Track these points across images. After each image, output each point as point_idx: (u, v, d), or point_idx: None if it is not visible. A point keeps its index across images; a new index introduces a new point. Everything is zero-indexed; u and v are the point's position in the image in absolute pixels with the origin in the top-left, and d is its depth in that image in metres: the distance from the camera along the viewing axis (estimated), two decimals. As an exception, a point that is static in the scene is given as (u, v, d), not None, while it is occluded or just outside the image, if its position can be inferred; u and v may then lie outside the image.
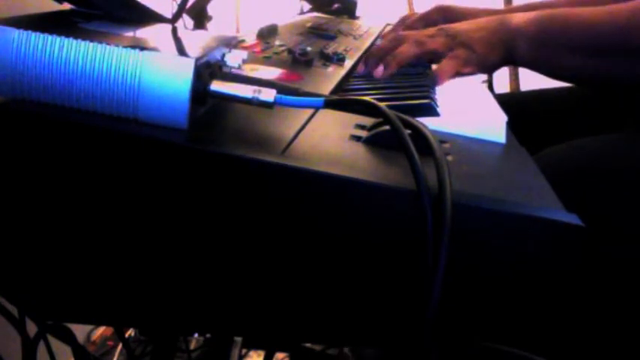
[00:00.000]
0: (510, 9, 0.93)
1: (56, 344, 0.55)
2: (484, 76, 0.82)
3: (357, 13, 1.38)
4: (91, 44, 0.37)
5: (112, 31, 0.43)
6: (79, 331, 1.22)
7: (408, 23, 0.96)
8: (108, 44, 0.37)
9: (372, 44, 0.98)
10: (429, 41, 0.69)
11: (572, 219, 0.36)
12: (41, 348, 0.54)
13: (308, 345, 0.93)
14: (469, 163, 0.45)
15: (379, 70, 0.68)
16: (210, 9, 0.99)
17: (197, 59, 0.37)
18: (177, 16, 0.67)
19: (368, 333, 0.40)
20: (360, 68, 0.72)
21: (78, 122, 0.37)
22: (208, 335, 1.10)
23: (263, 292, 0.39)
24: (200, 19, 0.96)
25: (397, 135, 0.38)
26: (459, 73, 0.68)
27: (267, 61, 0.65)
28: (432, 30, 0.71)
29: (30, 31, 0.37)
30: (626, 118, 0.77)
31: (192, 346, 1.14)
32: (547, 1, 0.93)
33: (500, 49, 0.66)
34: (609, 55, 0.60)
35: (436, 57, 0.70)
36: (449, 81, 0.67)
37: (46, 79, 0.37)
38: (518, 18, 0.65)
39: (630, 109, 0.78)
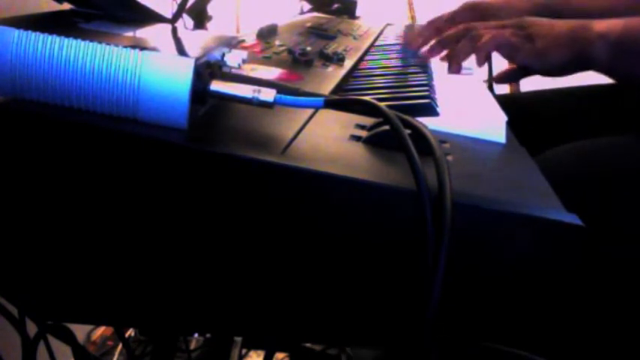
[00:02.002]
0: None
1: (56, 344, 0.55)
2: (484, 76, 0.82)
3: (357, 13, 1.38)
4: (91, 44, 0.37)
5: (112, 31, 0.43)
6: (79, 331, 1.22)
7: (438, 25, 0.95)
8: (108, 44, 0.37)
9: (372, 44, 0.98)
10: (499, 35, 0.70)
11: (572, 219, 0.36)
12: (41, 348, 0.54)
13: (308, 345, 0.93)
14: (469, 163, 0.45)
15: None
16: (210, 9, 0.99)
17: (197, 59, 0.37)
18: (177, 16, 0.67)
19: (368, 333, 0.40)
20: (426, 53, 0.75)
21: (78, 122, 0.37)
22: (208, 335, 1.10)
23: (263, 292, 0.39)
24: (200, 19, 0.96)
25: (397, 135, 0.38)
26: (514, 64, 0.69)
27: (267, 61, 0.65)
28: (507, 23, 0.72)
29: (30, 31, 0.37)
30: (627, 120, 0.77)
31: (192, 346, 1.14)
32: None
33: (568, 50, 0.65)
34: None
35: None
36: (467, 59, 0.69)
37: (46, 79, 0.37)
38: (602, 23, 0.64)
39: (632, 111, 0.78)
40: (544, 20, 0.70)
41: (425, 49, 0.77)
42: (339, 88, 0.62)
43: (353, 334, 0.40)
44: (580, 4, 0.88)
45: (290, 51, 0.69)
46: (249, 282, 0.39)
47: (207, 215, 0.37)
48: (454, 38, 0.75)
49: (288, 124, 0.44)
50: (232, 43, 0.47)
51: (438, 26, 0.92)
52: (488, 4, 0.93)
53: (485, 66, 0.91)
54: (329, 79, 0.62)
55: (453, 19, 0.93)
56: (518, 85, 1.69)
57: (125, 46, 0.37)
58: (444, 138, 0.48)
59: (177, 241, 0.38)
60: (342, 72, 0.66)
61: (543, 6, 0.90)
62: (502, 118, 0.53)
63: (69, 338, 0.51)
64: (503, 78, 0.83)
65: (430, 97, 0.59)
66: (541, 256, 0.37)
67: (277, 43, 0.77)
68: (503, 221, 0.36)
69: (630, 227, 0.53)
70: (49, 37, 0.37)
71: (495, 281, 0.38)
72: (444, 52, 0.79)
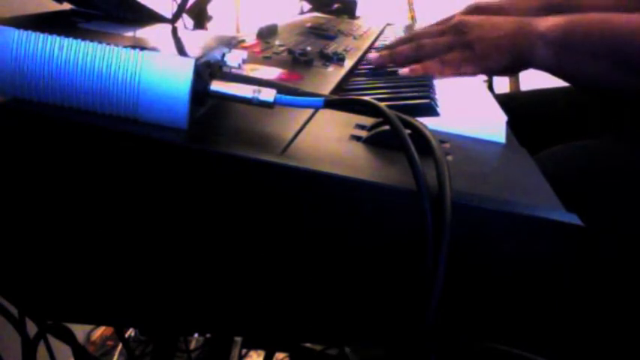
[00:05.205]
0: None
1: (56, 344, 0.55)
2: (484, 76, 0.82)
3: (357, 13, 1.38)
4: (91, 44, 0.37)
5: (112, 31, 0.43)
6: (79, 331, 1.22)
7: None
8: (108, 44, 0.37)
9: (372, 44, 0.98)
10: (439, 50, 0.70)
11: (572, 219, 0.36)
12: (41, 348, 0.54)
13: (308, 345, 0.93)
14: (469, 163, 0.45)
15: (404, 71, 0.71)
16: (210, 9, 0.99)
17: (197, 59, 0.37)
18: (177, 16, 0.67)
19: (368, 333, 0.40)
20: (375, 58, 0.75)
21: (78, 122, 0.37)
22: (208, 335, 1.10)
23: (263, 292, 0.39)
24: (200, 19, 0.96)
25: (397, 135, 0.38)
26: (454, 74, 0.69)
27: (267, 61, 0.65)
28: (446, 26, 0.73)
29: (30, 31, 0.37)
30: (626, 119, 0.77)
31: (192, 346, 1.14)
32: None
33: (509, 53, 0.65)
34: (635, 68, 0.59)
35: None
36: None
37: (46, 79, 0.37)
38: (544, 23, 0.64)
39: (631, 110, 0.78)
40: (484, 20, 0.69)
41: (375, 56, 0.77)
42: (339, 88, 0.62)
43: (353, 334, 0.40)
44: (590, 5, 0.88)
45: (290, 51, 0.69)
46: (249, 282, 0.39)
47: (208, 215, 0.37)
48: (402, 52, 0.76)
49: (288, 124, 0.44)
50: (232, 43, 0.47)
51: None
52: (493, 5, 0.93)
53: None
54: (329, 79, 0.62)
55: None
56: (518, 85, 1.70)
57: (125, 46, 0.37)
58: (444, 138, 0.48)
59: (177, 241, 0.38)
60: (342, 72, 0.66)
61: (552, 7, 0.90)
62: (502, 118, 0.53)
63: (69, 338, 0.51)
64: None
65: (430, 97, 0.59)
66: (541, 256, 0.37)
67: (277, 43, 0.77)
68: (503, 221, 0.36)
69: (630, 227, 0.53)
70: (49, 37, 0.37)
71: (495, 281, 0.38)
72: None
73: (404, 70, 0.71)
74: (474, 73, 0.69)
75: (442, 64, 0.69)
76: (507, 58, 0.65)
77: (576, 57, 0.62)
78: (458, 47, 0.69)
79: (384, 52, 0.76)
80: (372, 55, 0.77)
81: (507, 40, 0.65)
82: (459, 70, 0.69)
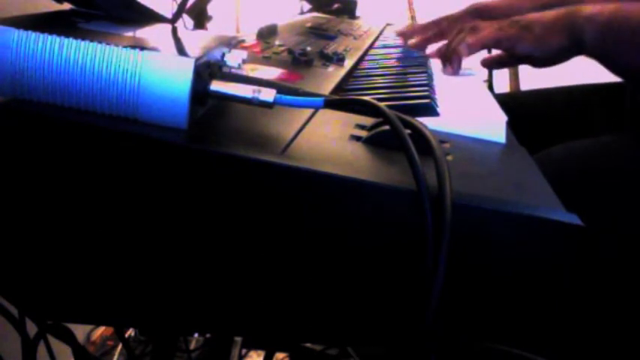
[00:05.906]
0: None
1: (56, 344, 0.55)
2: (484, 76, 0.82)
3: (357, 13, 1.38)
4: (91, 44, 0.37)
5: (112, 31, 0.43)
6: (79, 331, 1.22)
7: (442, 29, 0.95)
8: (108, 44, 0.37)
9: (372, 44, 0.98)
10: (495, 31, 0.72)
11: (572, 219, 0.36)
12: (41, 348, 0.54)
13: (308, 345, 0.93)
14: (469, 163, 0.45)
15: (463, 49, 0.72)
16: (210, 9, 0.99)
17: (197, 59, 0.37)
18: (177, 16, 0.67)
19: (368, 333, 0.40)
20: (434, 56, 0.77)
21: (78, 122, 0.37)
22: (208, 335, 1.10)
23: (263, 292, 0.39)
24: (200, 19, 0.96)
25: (397, 135, 0.38)
26: (513, 56, 0.71)
27: (267, 61, 0.65)
28: (501, 21, 0.74)
29: (30, 31, 0.37)
30: (626, 119, 0.77)
31: (192, 346, 1.14)
32: None
33: (563, 35, 0.66)
34: None
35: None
36: (470, 54, 0.71)
37: (46, 79, 0.37)
38: (589, 9, 0.65)
39: (632, 110, 0.78)
40: (533, 13, 0.70)
41: (430, 51, 0.77)
42: (339, 88, 0.62)
43: (353, 334, 0.40)
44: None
45: (290, 51, 0.69)
46: (249, 282, 0.39)
47: (208, 215, 0.37)
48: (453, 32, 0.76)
49: (288, 124, 0.44)
50: (232, 43, 0.47)
51: (441, 28, 0.91)
52: (492, 6, 0.93)
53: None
54: (329, 79, 0.62)
55: (456, 20, 0.92)
56: (518, 85, 1.70)
57: (125, 46, 0.37)
58: (444, 138, 0.48)
59: (177, 241, 0.38)
60: (342, 72, 0.66)
61: (551, 6, 0.90)
62: (502, 118, 0.53)
63: (69, 338, 0.51)
64: (491, 63, 0.83)
65: (430, 97, 0.59)
66: (541, 255, 0.37)
67: (277, 43, 0.77)
68: (503, 221, 0.36)
69: (630, 227, 0.53)
70: (49, 37, 0.37)
71: (495, 281, 0.38)
72: (441, 43, 0.79)
73: (461, 47, 0.72)
74: (531, 55, 0.70)
75: (499, 32, 0.70)
76: (564, 40, 0.66)
77: (621, 41, 0.63)
78: (516, 29, 0.70)
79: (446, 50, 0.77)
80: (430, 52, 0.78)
81: (559, 24, 0.66)
82: (518, 46, 0.70)
